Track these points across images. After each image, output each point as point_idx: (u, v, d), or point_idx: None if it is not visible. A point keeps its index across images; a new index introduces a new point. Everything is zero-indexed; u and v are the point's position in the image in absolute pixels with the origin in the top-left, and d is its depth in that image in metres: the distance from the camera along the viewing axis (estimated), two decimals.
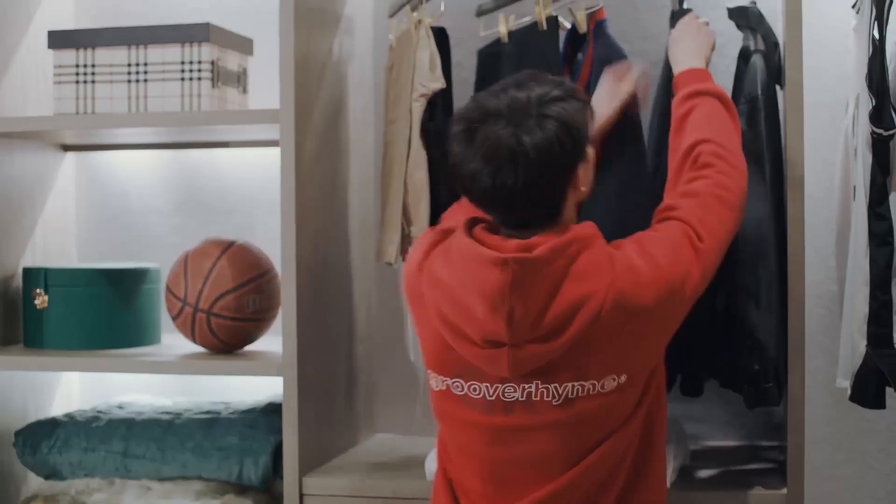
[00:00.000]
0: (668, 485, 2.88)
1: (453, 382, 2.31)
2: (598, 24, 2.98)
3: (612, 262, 2.26)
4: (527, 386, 2.25)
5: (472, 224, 2.32)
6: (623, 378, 2.27)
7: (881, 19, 2.61)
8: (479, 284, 2.21)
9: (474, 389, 2.29)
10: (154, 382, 3.70)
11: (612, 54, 2.92)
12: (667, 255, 2.32)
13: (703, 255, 2.37)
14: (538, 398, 2.25)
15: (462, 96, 3.29)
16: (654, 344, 2.34)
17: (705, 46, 2.76)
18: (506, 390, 2.27)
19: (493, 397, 2.28)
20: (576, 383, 2.25)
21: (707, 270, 2.39)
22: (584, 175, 2.32)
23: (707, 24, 2.82)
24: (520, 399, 2.26)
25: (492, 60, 3.16)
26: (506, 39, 3.09)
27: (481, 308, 2.21)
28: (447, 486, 2.43)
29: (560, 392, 2.25)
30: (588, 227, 2.28)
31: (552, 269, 2.20)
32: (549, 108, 2.25)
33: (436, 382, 2.36)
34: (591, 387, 2.25)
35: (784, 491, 2.80)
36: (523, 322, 2.20)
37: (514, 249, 2.21)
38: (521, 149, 2.21)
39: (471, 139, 2.25)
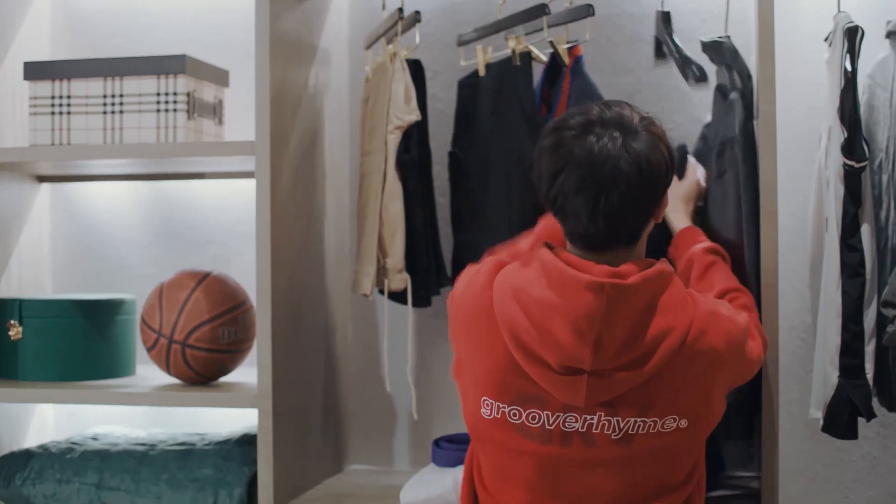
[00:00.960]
0: None
1: (510, 410, 2.26)
2: (576, 60, 3.01)
3: (694, 301, 2.28)
4: (589, 417, 2.23)
5: (549, 246, 2.30)
6: (684, 423, 2.26)
7: (853, 52, 2.64)
8: (569, 308, 2.18)
9: (533, 418, 2.25)
10: (129, 414, 3.69)
11: (588, 91, 2.95)
12: (736, 314, 2.36)
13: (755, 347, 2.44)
14: (598, 430, 2.23)
15: (437, 128, 3.32)
16: (717, 394, 2.32)
17: (695, 197, 2.90)
18: (567, 420, 2.24)
19: (553, 426, 2.24)
20: (638, 419, 2.23)
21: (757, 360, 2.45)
22: (663, 205, 2.34)
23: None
24: (580, 430, 2.23)
25: (470, 91, 3.19)
26: (483, 72, 3.11)
27: (566, 332, 2.17)
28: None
29: (621, 426, 2.23)
30: (668, 264, 2.29)
31: (640, 298, 2.20)
32: (653, 126, 2.28)
33: (488, 410, 2.29)
34: (652, 424, 2.23)
35: None
36: (608, 350, 2.18)
37: (607, 275, 2.19)
38: (630, 156, 2.21)
39: (572, 147, 2.24)
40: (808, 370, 3.22)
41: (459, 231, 3.24)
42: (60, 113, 3.23)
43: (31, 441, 3.63)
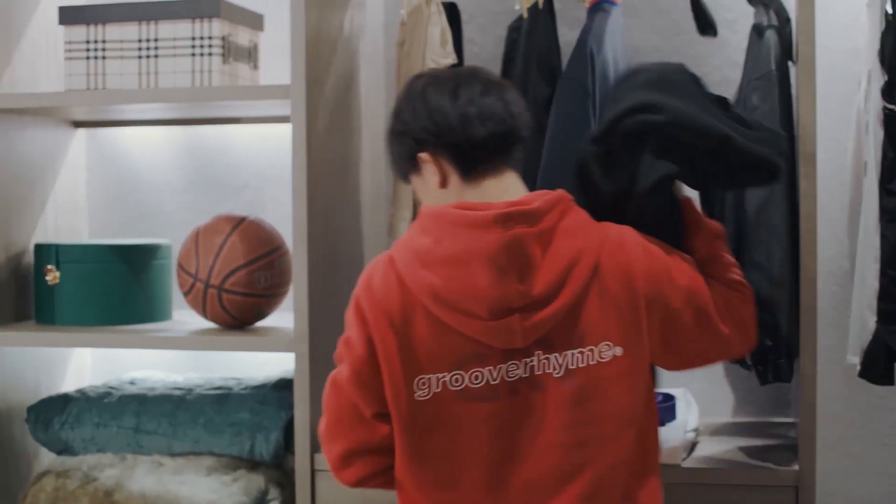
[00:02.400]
0: (680, 461, 2.89)
1: (452, 377, 2.20)
2: (599, 2, 3.00)
3: (602, 225, 2.25)
4: (528, 360, 2.19)
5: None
6: (619, 350, 2.21)
7: None
8: (482, 249, 2.15)
9: (476, 378, 2.19)
10: (165, 358, 3.71)
11: (598, 34, 2.95)
12: (665, 249, 2.31)
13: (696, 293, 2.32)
14: (540, 371, 2.19)
15: None
16: (650, 324, 2.25)
17: None
18: (509, 369, 2.19)
19: (497, 380, 2.19)
20: (575, 351, 2.19)
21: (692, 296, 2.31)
22: None
23: None
24: (523, 376, 2.19)
25: (515, 35, 3.20)
26: (525, 15, 3.11)
27: (486, 275, 2.14)
28: None
29: (561, 362, 2.19)
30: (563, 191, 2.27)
31: (547, 223, 2.17)
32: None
33: (426, 389, 2.21)
34: (589, 354, 2.19)
35: (796, 467, 2.80)
36: (530, 281, 2.15)
37: (507, 206, 2.17)
38: (508, 93, 2.32)
39: (455, 94, 2.28)
40: (845, 316, 3.21)
41: None
42: (95, 58, 3.22)
43: (68, 386, 3.65)
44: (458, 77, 2.32)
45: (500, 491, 2.23)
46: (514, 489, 2.22)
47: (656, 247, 2.29)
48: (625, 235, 2.26)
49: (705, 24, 3.06)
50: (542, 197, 2.21)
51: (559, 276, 2.17)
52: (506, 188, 2.27)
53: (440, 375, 2.21)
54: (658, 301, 2.25)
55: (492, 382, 2.19)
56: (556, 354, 2.20)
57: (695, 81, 2.41)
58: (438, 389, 2.21)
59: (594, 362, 2.21)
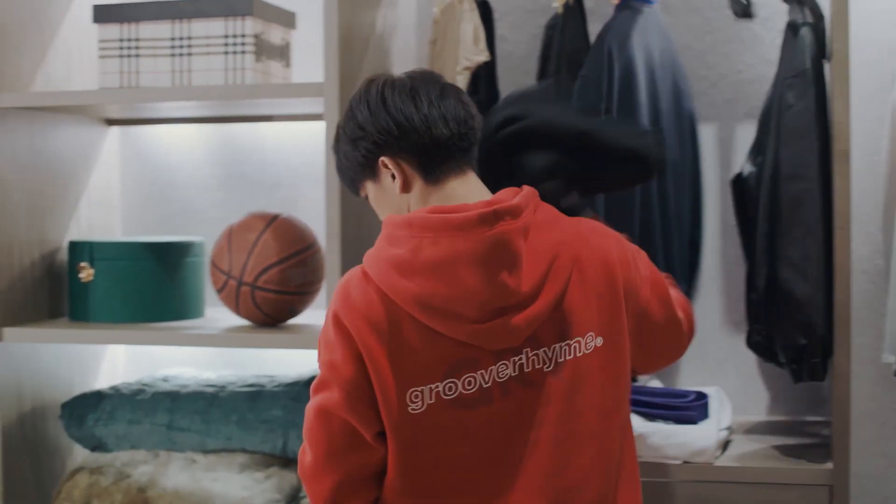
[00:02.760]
0: (714, 460, 2.88)
1: (445, 385, 2.13)
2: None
3: (569, 218, 2.25)
4: (517, 358, 2.15)
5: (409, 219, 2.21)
6: (600, 341, 2.19)
7: None
8: (468, 250, 2.10)
9: (469, 383, 2.14)
10: (197, 356, 3.72)
11: (620, 33, 2.95)
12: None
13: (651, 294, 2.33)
14: (530, 367, 2.15)
15: (506, 70, 3.31)
16: (622, 308, 2.24)
17: None
18: (500, 370, 2.14)
19: (490, 383, 2.15)
20: (562, 344, 2.16)
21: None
22: None
23: None
24: (513, 375, 2.15)
25: (550, 32, 3.20)
26: (561, 11, 3.12)
27: (475, 276, 2.09)
28: None
29: (549, 356, 2.16)
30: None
31: (526, 219, 2.14)
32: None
33: (419, 401, 2.14)
34: (576, 346, 2.17)
35: (830, 466, 2.79)
36: (519, 277, 2.12)
37: (487, 205, 2.13)
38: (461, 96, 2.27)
39: (414, 97, 2.22)
40: (879, 314, 3.20)
41: None
42: (129, 56, 3.23)
43: (101, 383, 3.67)
44: (415, 80, 2.26)
45: (501, 495, 2.18)
46: (517, 490, 2.18)
47: (621, 236, 2.30)
48: (596, 225, 2.27)
49: (743, 8, 3.05)
50: (517, 193, 2.18)
51: (543, 271, 2.14)
52: (470, 188, 2.23)
53: (433, 385, 2.14)
54: (631, 290, 2.26)
55: (484, 386, 2.15)
56: (545, 349, 2.17)
57: (564, 95, 2.52)
58: (432, 400, 2.14)
59: (580, 354, 2.19)
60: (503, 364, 2.14)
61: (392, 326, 2.12)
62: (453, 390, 2.14)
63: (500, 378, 2.15)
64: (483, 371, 2.14)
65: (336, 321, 2.17)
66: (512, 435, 2.17)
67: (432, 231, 2.12)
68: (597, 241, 2.22)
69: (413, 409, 2.14)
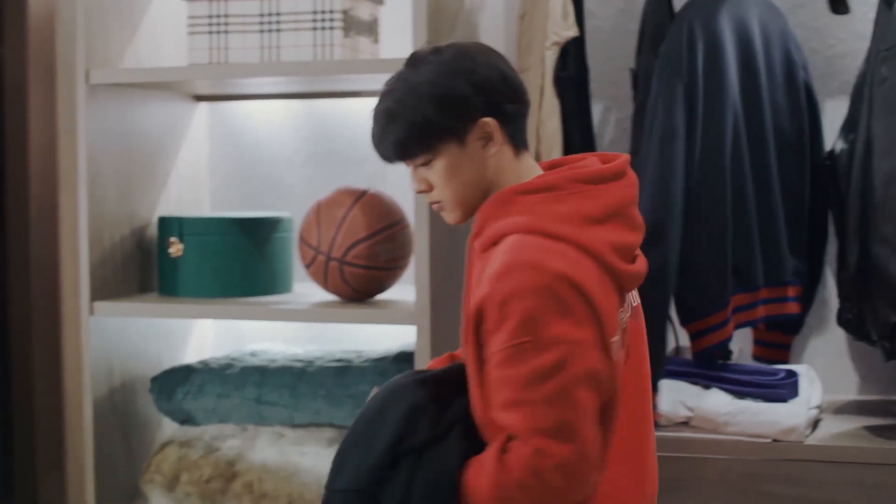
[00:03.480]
0: (804, 438, 2.86)
1: (620, 337, 2.06)
2: None
3: None
4: (624, 306, 2.09)
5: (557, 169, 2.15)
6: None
7: None
8: (624, 198, 2.08)
9: (623, 331, 2.08)
10: (285, 331, 3.73)
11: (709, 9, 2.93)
12: None
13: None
14: (625, 309, 2.09)
15: (594, 45, 3.29)
16: None
17: None
18: (621, 315, 2.08)
19: (625, 327, 2.10)
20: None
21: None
22: None
23: None
24: (623, 323, 2.08)
25: (647, 8, 3.17)
26: None
27: (628, 221, 2.08)
28: None
29: (632, 301, 2.14)
30: None
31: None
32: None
33: (616, 347, 2.03)
34: (637, 292, 2.19)
35: None
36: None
37: (610, 159, 2.13)
38: None
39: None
40: None
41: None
42: (218, 32, 3.25)
43: (190, 357, 3.70)
44: (488, 49, 2.15)
45: (644, 456, 2.16)
46: (645, 435, 2.17)
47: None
48: None
49: (838, 2, 3.02)
50: (621, 155, 2.17)
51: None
52: (531, 159, 2.18)
53: (614, 339, 2.02)
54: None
55: (622, 337, 2.08)
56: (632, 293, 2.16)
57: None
58: (621, 349, 2.07)
59: (636, 303, 2.18)
60: (622, 310, 2.08)
61: (600, 278, 2.00)
62: (622, 340, 2.08)
63: (623, 325, 2.09)
64: (621, 320, 2.07)
65: (569, 285, 1.96)
66: (632, 375, 2.13)
67: (603, 181, 2.07)
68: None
69: (616, 357, 2.04)
